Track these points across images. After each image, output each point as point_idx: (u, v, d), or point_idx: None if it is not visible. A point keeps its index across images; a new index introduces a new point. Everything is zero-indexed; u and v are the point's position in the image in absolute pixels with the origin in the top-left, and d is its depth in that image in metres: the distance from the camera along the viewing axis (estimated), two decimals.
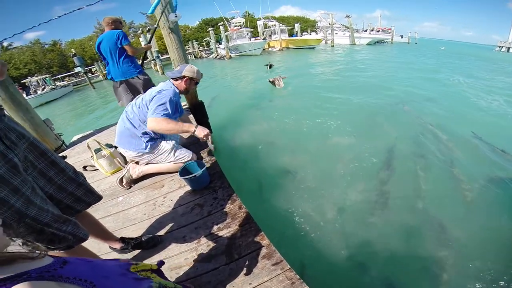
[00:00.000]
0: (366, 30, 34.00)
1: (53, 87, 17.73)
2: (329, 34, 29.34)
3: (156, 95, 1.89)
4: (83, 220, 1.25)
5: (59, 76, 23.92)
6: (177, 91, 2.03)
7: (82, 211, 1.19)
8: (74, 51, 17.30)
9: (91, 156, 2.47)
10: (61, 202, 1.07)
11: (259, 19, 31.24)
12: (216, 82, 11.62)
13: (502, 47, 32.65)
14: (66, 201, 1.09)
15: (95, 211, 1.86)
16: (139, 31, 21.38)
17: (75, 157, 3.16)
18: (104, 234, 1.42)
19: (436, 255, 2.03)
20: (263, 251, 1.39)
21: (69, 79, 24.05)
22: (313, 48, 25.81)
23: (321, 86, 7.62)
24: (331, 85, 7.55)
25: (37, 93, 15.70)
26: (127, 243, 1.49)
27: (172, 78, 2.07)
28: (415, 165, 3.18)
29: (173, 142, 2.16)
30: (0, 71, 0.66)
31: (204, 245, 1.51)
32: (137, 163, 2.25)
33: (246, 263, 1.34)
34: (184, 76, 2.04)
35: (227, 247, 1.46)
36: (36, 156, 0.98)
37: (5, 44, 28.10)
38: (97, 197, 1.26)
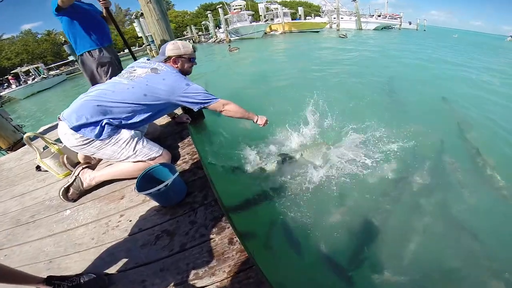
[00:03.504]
0: (373, 16, 32.28)
1: (44, 76, 17.03)
2: (335, 18, 27.83)
3: (173, 79, 1.47)
4: None
5: (52, 65, 23.25)
6: (177, 71, 1.58)
7: None
8: (64, 39, 16.44)
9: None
10: None
11: (261, 2, 29.71)
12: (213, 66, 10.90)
13: None
14: None
15: (37, 227, 1.46)
16: (133, 17, 20.39)
17: (33, 154, 2.53)
18: (23, 280, 1.00)
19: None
20: None
21: (64, 67, 23.66)
22: (317, 32, 24.51)
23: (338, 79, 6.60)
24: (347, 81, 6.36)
25: (27, 83, 15.15)
26: (58, 286, 1.01)
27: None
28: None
29: (135, 131, 1.49)
30: None
31: None
32: (89, 167, 1.60)
33: None
34: (169, 57, 1.59)
35: None
36: None
37: None
38: None
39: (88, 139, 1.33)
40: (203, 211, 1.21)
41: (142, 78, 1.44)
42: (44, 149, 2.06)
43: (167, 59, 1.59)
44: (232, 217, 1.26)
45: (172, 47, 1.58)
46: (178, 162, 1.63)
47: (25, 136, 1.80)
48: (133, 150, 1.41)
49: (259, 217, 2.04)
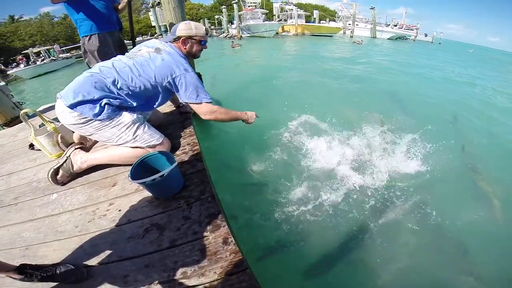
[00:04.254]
0: (389, 25, 31.94)
1: (54, 58, 17.29)
2: (349, 24, 27.56)
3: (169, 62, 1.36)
4: None
5: (64, 48, 23.51)
6: (182, 54, 1.46)
7: None
8: None
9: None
10: None
11: (276, 1, 29.66)
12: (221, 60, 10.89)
13: None
14: None
15: (18, 210, 1.38)
16: (149, 6, 20.44)
17: (28, 131, 2.48)
18: None
19: None
20: None
21: (75, 51, 24.11)
22: (331, 36, 24.32)
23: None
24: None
25: (36, 63, 15.30)
26: (30, 276, 0.93)
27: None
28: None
29: (137, 115, 1.39)
30: None
31: None
32: (82, 148, 1.52)
33: None
34: (179, 37, 1.47)
35: None
36: None
37: (16, 16, 28.75)
38: None
39: (86, 118, 1.24)
40: (199, 206, 1.11)
41: (143, 57, 1.35)
42: (40, 127, 1.99)
43: (176, 39, 1.47)
44: (227, 216, 1.16)
45: (184, 27, 1.45)
46: (177, 152, 1.54)
47: (21, 112, 1.72)
48: (133, 135, 1.32)
49: (255, 219, 1.94)
